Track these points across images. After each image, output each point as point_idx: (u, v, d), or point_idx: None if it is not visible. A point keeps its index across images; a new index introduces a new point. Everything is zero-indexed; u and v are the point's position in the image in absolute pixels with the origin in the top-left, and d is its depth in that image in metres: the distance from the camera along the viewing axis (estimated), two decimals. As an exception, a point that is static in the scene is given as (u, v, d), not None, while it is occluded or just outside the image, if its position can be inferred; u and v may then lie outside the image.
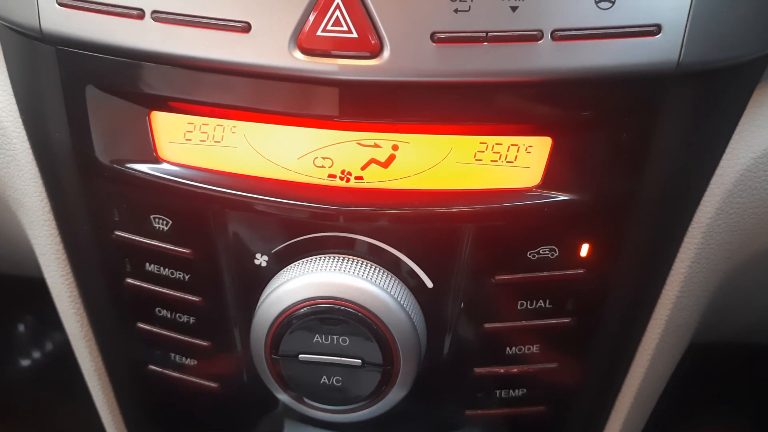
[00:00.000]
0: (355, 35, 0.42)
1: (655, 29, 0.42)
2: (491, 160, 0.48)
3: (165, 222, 0.52)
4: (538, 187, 0.48)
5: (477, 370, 0.55)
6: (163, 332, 0.57)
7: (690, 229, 0.51)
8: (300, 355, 0.50)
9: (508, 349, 0.54)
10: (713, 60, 0.44)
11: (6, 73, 0.53)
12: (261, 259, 0.52)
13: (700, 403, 1.01)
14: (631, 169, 0.47)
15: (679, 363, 0.62)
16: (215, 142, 0.49)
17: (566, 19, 0.42)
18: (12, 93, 0.53)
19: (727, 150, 0.49)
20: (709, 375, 0.97)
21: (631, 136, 0.46)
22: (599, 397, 0.59)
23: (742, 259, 0.55)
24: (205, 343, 0.57)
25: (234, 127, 0.49)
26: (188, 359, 0.58)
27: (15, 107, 0.54)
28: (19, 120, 0.54)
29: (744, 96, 0.49)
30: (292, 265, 0.51)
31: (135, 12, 0.44)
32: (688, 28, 0.42)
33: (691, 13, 0.42)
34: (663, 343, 0.56)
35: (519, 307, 0.52)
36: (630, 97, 0.45)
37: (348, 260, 0.50)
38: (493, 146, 0.47)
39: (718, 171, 0.50)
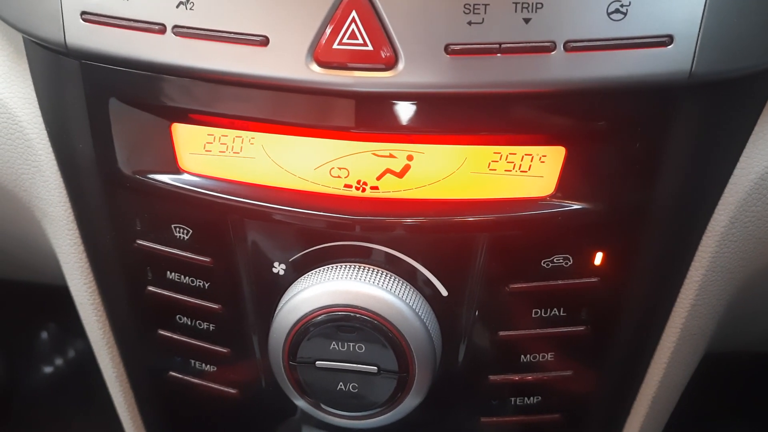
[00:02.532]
0: (370, 48, 0.43)
1: (667, 40, 0.42)
2: (505, 170, 0.48)
3: (186, 231, 0.53)
4: (552, 196, 0.48)
5: (492, 377, 0.55)
6: (184, 339, 0.58)
7: (704, 237, 0.51)
8: (317, 362, 0.51)
9: (522, 357, 0.54)
10: (725, 70, 0.44)
11: (32, 87, 0.55)
12: (279, 268, 0.53)
13: (716, 413, 1.00)
14: (644, 179, 0.48)
15: (696, 372, 0.61)
16: (234, 153, 0.50)
17: (579, 31, 0.42)
18: (38, 105, 0.55)
19: (741, 159, 0.49)
20: (725, 385, 0.96)
21: (644, 145, 0.46)
22: (614, 405, 0.59)
23: (757, 267, 0.54)
24: (224, 350, 0.57)
25: (252, 138, 0.49)
26: (208, 366, 0.59)
27: (40, 119, 0.55)
28: (45, 132, 0.55)
29: (757, 105, 0.49)
30: (309, 273, 0.52)
31: (156, 27, 0.45)
32: (700, 39, 0.42)
33: (702, 23, 0.42)
34: (678, 352, 0.56)
35: (533, 316, 0.52)
36: (643, 107, 0.45)
37: (364, 269, 0.51)
38: (507, 156, 0.48)
39: (732, 180, 0.50)
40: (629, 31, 0.42)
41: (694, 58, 0.43)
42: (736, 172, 0.50)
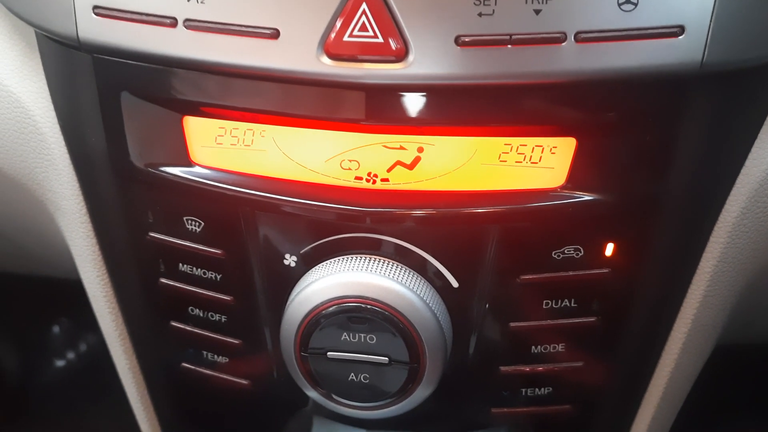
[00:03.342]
0: (380, 40, 0.43)
1: (678, 30, 0.42)
2: (516, 161, 0.48)
3: (197, 224, 0.53)
4: (563, 187, 0.48)
5: (503, 368, 0.55)
6: (196, 331, 0.58)
7: (715, 228, 0.51)
8: (328, 353, 0.51)
9: (533, 348, 0.54)
10: (737, 60, 0.44)
11: (44, 81, 0.55)
12: (290, 260, 0.53)
13: (727, 406, 1.00)
14: (655, 170, 0.48)
15: (707, 365, 0.61)
16: (245, 145, 0.50)
17: (589, 21, 0.42)
18: (50, 100, 0.55)
19: (753, 150, 0.49)
20: (736, 377, 0.95)
21: (655, 136, 0.46)
22: (625, 396, 0.59)
23: (769, 258, 0.54)
24: (236, 341, 0.58)
25: (263, 131, 0.50)
26: (220, 357, 0.59)
27: (53, 114, 0.55)
28: (57, 126, 0.56)
29: (769, 96, 0.49)
30: (320, 265, 0.52)
31: (168, 20, 0.45)
32: (712, 29, 0.42)
33: (714, 13, 0.42)
34: (689, 343, 0.56)
35: (544, 307, 0.52)
36: (654, 98, 0.45)
37: (375, 260, 0.51)
38: (517, 147, 0.48)
39: (744, 171, 0.49)
40: (640, 21, 0.42)
41: (705, 49, 0.42)
42: (747, 162, 0.49)
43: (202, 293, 0.56)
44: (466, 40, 0.42)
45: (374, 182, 0.50)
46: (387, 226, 0.51)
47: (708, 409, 0.88)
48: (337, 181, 0.50)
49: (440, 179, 0.49)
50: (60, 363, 1.17)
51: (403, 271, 0.51)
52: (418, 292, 0.50)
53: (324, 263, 0.52)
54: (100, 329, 0.65)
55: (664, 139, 0.47)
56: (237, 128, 0.50)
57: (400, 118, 0.46)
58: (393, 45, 0.43)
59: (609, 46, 0.42)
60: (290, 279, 0.53)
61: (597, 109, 0.46)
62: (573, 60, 0.43)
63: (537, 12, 0.42)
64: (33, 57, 0.55)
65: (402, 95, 0.45)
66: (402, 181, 0.50)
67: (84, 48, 0.49)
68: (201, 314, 0.58)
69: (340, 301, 0.50)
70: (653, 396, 0.58)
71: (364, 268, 0.51)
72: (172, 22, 0.45)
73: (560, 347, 0.54)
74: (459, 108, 0.46)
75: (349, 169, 0.50)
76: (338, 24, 0.43)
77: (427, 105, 0.46)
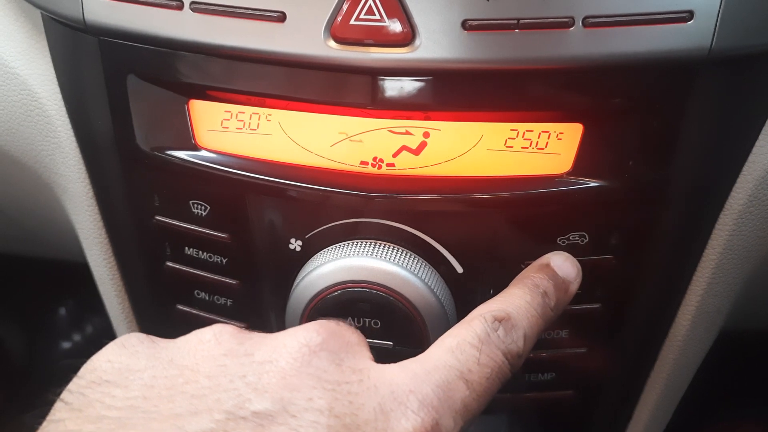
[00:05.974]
0: (387, 23, 0.43)
1: (687, 15, 0.42)
2: (522, 147, 0.48)
3: (203, 207, 0.53)
4: (569, 173, 0.48)
5: (506, 353, 0.55)
6: (202, 314, 0.58)
7: (722, 215, 0.51)
8: (333, 337, 0.51)
9: (537, 333, 0.54)
10: (745, 46, 0.43)
11: (51, 64, 0.55)
12: (295, 244, 0.53)
13: (730, 393, 1.00)
14: (662, 156, 0.47)
15: (710, 352, 0.61)
16: (251, 129, 0.50)
17: (597, 6, 0.42)
18: (57, 83, 0.55)
19: (760, 137, 0.49)
20: (740, 365, 0.95)
21: (663, 123, 0.46)
22: (628, 382, 0.59)
23: (775, 246, 0.54)
24: (242, 325, 0.58)
25: (269, 115, 0.50)
26: (226, 341, 0.60)
27: (60, 96, 0.55)
28: (64, 109, 0.56)
29: (777, 83, 0.48)
30: (325, 249, 0.52)
31: (174, 3, 0.45)
32: (721, 15, 0.42)
33: (723, -1, 0.42)
34: (693, 331, 0.56)
35: (548, 292, 0.52)
36: (662, 83, 0.45)
37: (380, 245, 0.51)
38: (523, 133, 0.48)
39: (751, 158, 0.49)
40: (649, 6, 0.42)
41: (714, 34, 0.42)
42: (754, 150, 0.49)
43: (208, 277, 0.56)
44: (473, 24, 0.42)
45: (380, 167, 0.50)
46: (392, 212, 0.50)
47: (710, 395, 0.89)
48: (342, 166, 0.50)
49: (446, 165, 0.49)
50: (66, 344, 1.18)
51: (408, 256, 0.51)
52: (422, 278, 0.50)
53: (329, 248, 0.52)
54: (107, 311, 0.65)
55: (671, 125, 0.46)
56: (243, 112, 0.50)
57: (406, 103, 0.46)
58: (400, 29, 0.43)
59: (617, 31, 0.42)
60: (295, 263, 0.53)
61: (604, 95, 0.45)
62: (581, 45, 0.42)
63: (545, -4, 0.41)
64: (39, 39, 0.55)
65: (408, 80, 0.45)
66: (408, 166, 0.50)
67: (90, 30, 0.49)
68: (207, 298, 0.58)
69: (344, 285, 0.50)
70: (656, 382, 0.58)
71: (369, 253, 0.50)
72: (179, 5, 0.45)
73: (564, 333, 0.54)
74: (465, 93, 0.45)
75: (355, 154, 0.49)
76: (345, 7, 0.43)
77: (433, 90, 0.46)
